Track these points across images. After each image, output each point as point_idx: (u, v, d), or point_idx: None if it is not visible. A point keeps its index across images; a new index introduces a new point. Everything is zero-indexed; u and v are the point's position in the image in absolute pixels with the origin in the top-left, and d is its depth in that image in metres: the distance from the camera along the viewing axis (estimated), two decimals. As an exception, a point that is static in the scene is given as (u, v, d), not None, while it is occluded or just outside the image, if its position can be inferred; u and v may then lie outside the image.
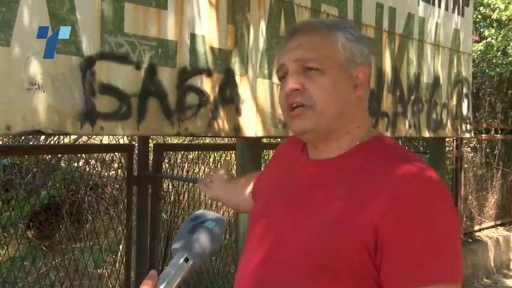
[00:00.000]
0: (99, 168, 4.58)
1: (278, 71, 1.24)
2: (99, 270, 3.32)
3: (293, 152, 1.33)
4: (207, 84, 2.16)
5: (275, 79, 2.28)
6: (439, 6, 3.75)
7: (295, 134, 1.28)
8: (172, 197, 4.13)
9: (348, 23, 1.29)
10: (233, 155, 3.67)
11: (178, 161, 4.15)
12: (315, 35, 1.21)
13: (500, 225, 7.58)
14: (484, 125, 7.89)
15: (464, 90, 4.12)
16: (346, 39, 1.21)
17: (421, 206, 1.05)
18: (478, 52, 7.97)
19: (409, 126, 3.44)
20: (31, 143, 4.68)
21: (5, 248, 3.26)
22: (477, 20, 8.28)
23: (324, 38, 1.20)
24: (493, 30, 8.18)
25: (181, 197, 4.10)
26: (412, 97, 3.48)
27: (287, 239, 1.16)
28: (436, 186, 1.09)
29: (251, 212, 1.33)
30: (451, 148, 6.78)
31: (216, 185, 1.84)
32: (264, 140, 4.09)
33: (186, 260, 1.03)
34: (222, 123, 2.22)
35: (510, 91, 8.92)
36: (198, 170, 4.15)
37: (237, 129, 2.29)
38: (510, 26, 8.09)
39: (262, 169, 1.72)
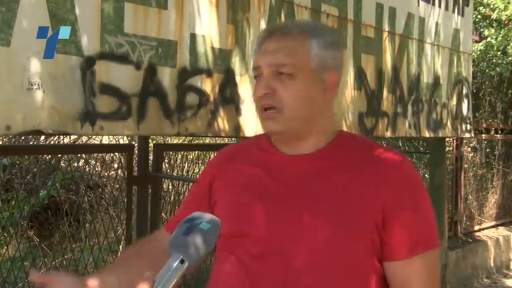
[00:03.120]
0: (99, 168, 4.58)
1: (254, 70, 1.30)
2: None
3: (251, 152, 1.37)
4: (207, 84, 2.16)
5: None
6: (439, 6, 3.75)
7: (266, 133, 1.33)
8: (172, 197, 4.13)
9: (324, 28, 1.36)
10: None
11: (178, 161, 4.15)
12: (290, 41, 1.27)
13: (500, 225, 7.58)
14: (484, 125, 7.88)
15: (464, 90, 4.12)
16: (318, 46, 1.27)
17: (414, 184, 1.28)
18: (478, 52, 7.96)
19: (409, 126, 3.44)
20: (31, 143, 4.68)
21: (5, 248, 3.26)
22: (477, 19, 8.28)
23: (298, 44, 1.26)
24: (493, 30, 8.18)
25: (181, 197, 4.09)
26: (412, 97, 3.48)
27: (303, 233, 1.21)
28: (412, 165, 1.31)
29: (228, 223, 1.23)
30: (451, 148, 6.78)
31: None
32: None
33: (182, 261, 1.03)
34: (222, 123, 2.23)
35: (510, 91, 8.92)
36: (198, 170, 4.15)
37: (237, 129, 2.29)
38: (510, 26, 8.08)
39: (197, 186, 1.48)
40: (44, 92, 1.63)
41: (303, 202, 1.24)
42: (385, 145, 1.60)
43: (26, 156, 4.36)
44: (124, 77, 1.86)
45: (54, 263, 3.33)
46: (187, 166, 4.14)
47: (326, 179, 1.25)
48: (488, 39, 8.12)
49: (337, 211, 1.21)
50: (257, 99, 1.28)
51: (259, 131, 2.40)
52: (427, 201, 1.29)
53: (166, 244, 1.08)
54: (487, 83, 8.64)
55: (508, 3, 8.09)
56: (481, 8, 8.25)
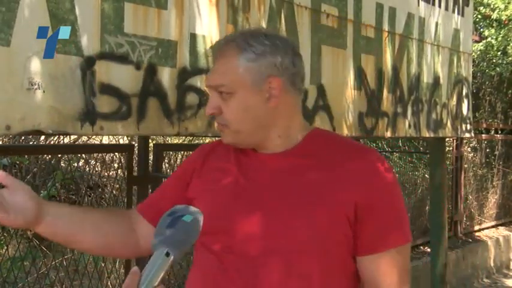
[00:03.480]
0: (99, 168, 4.58)
1: (207, 88, 1.41)
2: (99, 270, 3.32)
3: (228, 151, 1.41)
4: (207, 84, 2.16)
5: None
6: (439, 6, 3.75)
7: None
8: (172, 197, 4.11)
9: (257, 36, 1.32)
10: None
11: (178, 161, 4.15)
12: (223, 60, 1.33)
13: (500, 225, 7.58)
14: (484, 125, 7.89)
15: (464, 90, 4.12)
16: (248, 60, 1.30)
17: (386, 180, 1.30)
18: (478, 52, 7.97)
19: (409, 126, 3.44)
20: (31, 143, 4.68)
21: (5, 248, 3.26)
22: (477, 19, 8.28)
23: (229, 63, 1.31)
24: (493, 30, 8.19)
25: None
26: (412, 97, 3.47)
27: (275, 230, 1.25)
28: (385, 161, 1.34)
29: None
30: (451, 148, 6.79)
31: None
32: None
33: (167, 254, 1.04)
34: (222, 123, 2.22)
35: (510, 91, 8.92)
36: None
37: (237, 129, 2.29)
38: (510, 26, 8.09)
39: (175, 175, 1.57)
40: (44, 92, 1.63)
41: (276, 200, 1.28)
42: (359, 142, 1.68)
43: (26, 156, 4.35)
44: (124, 77, 1.86)
45: (54, 263, 3.33)
46: (187, 166, 4.13)
47: (298, 176, 1.30)
48: (488, 39, 8.13)
49: (309, 207, 1.25)
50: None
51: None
52: (399, 196, 1.34)
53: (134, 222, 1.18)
54: (487, 83, 8.65)
55: (508, 3, 8.10)
56: (481, 8, 8.26)
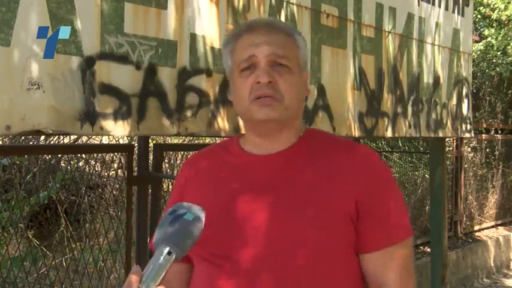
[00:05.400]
0: (99, 168, 4.58)
1: (242, 62, 1.28)
2: (98, 270, 3.32)
3: (220, 157, 1.36)
4: (207, 84, 2.16)
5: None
6: (439, 6, 3.75)
7: (257, 122, 1.29)
8: (172, 197, 4.12)
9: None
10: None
11: (178, 161, 4.15)
12: (281, 35, 1.30)
13: (500, 225, 7.58)
14: (484, 125, 7.90)
15: (464, 90, 4.12)
16: (302, 45, 1.34)
17: (385, 175, 1.30)
18: (478, 52, 7.97)
19: (409, 126, 3.44)
20: (31, 143, 4.68)
21: (5, 248, 3.26)
22: (477, 19, 8.28)
23: (289, 39, 1.31)
24: (493, 30, 8.19)
25: (181, 197, 4.09)
26: (412, 97, 3.47)
27: (275, 234, 1.22)
28: (378, 156, 1.34)
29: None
30: (451, 148, 6.79)
31: None
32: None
33: (169, 253, 1.03)
34: (222, 123, 2.22)
35: (510, 91, 8.92)
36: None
37: (237, 129, 2.29)
38: (510, 26, 8.09)
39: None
40: (44, 92, 1.63)
41: (274, 202, 1.24)
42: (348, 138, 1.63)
43: (26, 156, 4.35)
44: (124, 77, 1.86)
45: (54, 263, 3.33)
46: (187, 166, 4.14)
47: (296, 176, 1.27)
48: (488, 39, 8.13)
49: (309, 207, 1.22)
50: (249, 87, 1.26)
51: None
52: (398, 191, 1.33)
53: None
54: (487, 83, 8.65)
55: (508, 3, 8.10)
56: (481, 8, 8.26)
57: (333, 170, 1.26)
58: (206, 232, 1.12)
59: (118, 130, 1.86)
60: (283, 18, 2.52)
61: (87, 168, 4.42)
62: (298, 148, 1.31)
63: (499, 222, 7.55)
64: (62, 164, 4.80)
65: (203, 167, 1.38)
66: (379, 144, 7.02)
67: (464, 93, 4.11)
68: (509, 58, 8.16)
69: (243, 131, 2.37)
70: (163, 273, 1.01)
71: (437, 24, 3.72)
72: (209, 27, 2.17)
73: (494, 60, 8.19)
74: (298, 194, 1.25)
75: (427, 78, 3.63)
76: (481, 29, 8.52)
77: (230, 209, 1.26)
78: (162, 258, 1.02)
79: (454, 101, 3.97)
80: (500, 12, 8.09)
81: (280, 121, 1.27)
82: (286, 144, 1.31)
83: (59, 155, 4.61)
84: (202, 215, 1.10)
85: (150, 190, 3.17)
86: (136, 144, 3.36)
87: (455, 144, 6.73)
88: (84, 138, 4.97)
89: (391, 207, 1.27)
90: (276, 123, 1.28)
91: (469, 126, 4.22)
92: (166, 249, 1.03)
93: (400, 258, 1.27)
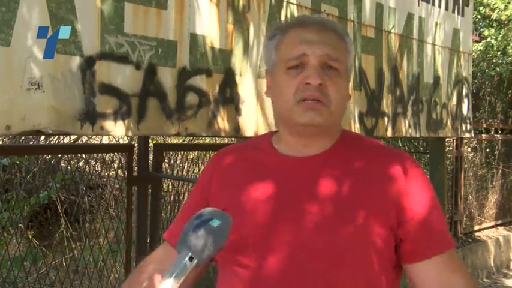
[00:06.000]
0: (99, 168, 4.58)
1: (291, 60, 1.19)
2: (98, 270, 3.32)
3: (251, 155, 1.28)
4: (207, 84, 2.16)
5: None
6: (439, 6, 3.75)
7: (298, 125, 1.20)
8: (172, 197, 4.12)
9: None
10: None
11: (178, 161, 4.15)
12: (333, 36, 1.21)
13: (500, 225, 7.58)
14: (484, 125, 7.89)
15: (464, 90, 4.12)
16: (352, 50, 1.26)
17: (424, 183, 1.22)
18: (478, 52, 7.97)
19: (409, 126, 3.44)
20: (31, 143, 4.68)
21: (5, 248, 3.26)
22: (477, 19, 8.28)
23: (341, 42, 1.22)
24: (492, 30, 8.19)
25: (181, 197, 4.09)
26: (412, 97, 3.47)
27: (309, 242, 1.15)
28: (416, 162, 1.26)
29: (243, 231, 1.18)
30: (451, 148, 6.78)
31: None
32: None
33: (191, 259, 1.01)
34: (222, 123, 2.22)
35: (510, 91, 8.92)
36: (198, 170, 4.14)
37: (237, 129, 2.29)
38: (510, 26, 8.09)
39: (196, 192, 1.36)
40: (44, 92, 1.63)
41: (310, 212, 1.16)
42: (386, 144, 1.56)
43: (26, 156, 4.35)
44: (124, 77, 1.86)
45: (54, 263, 3.33)
46: (187, 166, 4.14)
47: (332, 184, 1.19)
48: (488, 39, 8.13)
49: (349, 216, 1.15)
50: (303, 88, 1.17)
51: (259, 130, 2.41)
52: (436, 198, 1.25)
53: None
54: (487, 83, 8.65)
55: (508, 3, 8.10)
56: (481, 8, 8.26)
57: (370, 178, 1.19)
58: (233, 236, 1.07)
59: (118, 130, 1.86)
60: (283, 19, 2.52)
61: (87, 168, 4.42)
62: (335, 152, 1.23)
63: (499, 222, 7.54)
64: (62, 164, 4.79)
65: (231, 165, 1.29)
66: (379, 144, 6.99)
67: (464, 93, 4.11)
68: (509, 58, 8.16)
69: (243, 131, 2.38)
70: (183, 278, 1.00)
71: (437, 24, 3.72)
72: (209, 27, 2.17)
73: (494, 60, 8.18)
74: (336, 204, 1.17)
75: (427, 78, 3.63)
76: (481, 29, 8.52)
77: (262, 212, 1.19)
78: (183, 263, 1.01)
79: (454, 101, 3.97)
80: (500, 12, 8.09)
81: (322, 126, 1.19)
82: (322, 148, 1.23)
83: (59, 155, 4.61)
84: (229, 221, 1.07)
85: (150, 190, 3.18)
86: (136, 144, 3.36)
87: (455, 144, 6.72)
88: (84, 138, 4.97)
89: (434, 215, 1.21)
90: (317, 128, 1.20)
91: (469, 126, 4.22)
92: (189, 255, 1.02)
93: (458, 261, 1.26)
